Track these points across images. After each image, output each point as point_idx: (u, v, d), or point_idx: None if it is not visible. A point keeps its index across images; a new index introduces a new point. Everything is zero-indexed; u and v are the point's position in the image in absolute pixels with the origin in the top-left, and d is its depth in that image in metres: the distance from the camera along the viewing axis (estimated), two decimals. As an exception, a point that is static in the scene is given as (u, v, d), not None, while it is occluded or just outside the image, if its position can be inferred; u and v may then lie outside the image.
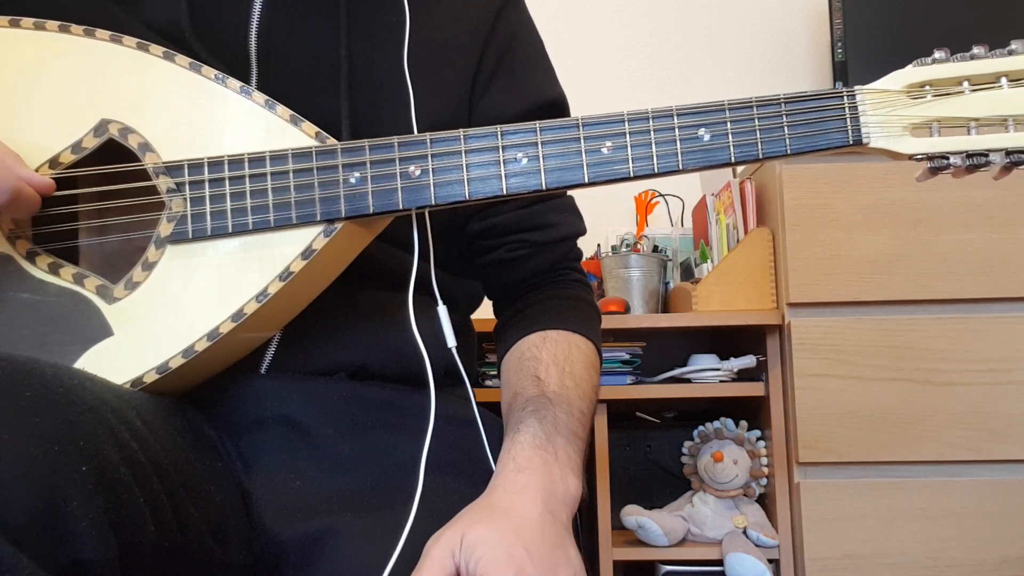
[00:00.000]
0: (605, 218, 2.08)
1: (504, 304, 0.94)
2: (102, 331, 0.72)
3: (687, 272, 1.90)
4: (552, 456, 0.72)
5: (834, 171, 1.56)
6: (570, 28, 2.24)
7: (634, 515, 1.58)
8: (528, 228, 0.90)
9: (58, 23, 0.77)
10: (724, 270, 1.65)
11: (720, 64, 2.21)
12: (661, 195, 1.95)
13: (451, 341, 0.79)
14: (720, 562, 1.54)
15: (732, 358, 1.67)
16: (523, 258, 0.91)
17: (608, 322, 1.67)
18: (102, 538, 0.53)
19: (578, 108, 0.85)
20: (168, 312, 0.72)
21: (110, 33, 0.76)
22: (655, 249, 1.81)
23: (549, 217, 0.92)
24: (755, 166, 1.75)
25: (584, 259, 1.94)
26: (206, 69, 0.75)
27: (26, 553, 0.49)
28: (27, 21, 0.77)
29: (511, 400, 0.81)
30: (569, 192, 0.94)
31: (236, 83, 0.75)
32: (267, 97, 0.74)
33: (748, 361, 1.65)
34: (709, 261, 1.78)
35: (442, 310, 0.80)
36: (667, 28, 2.24)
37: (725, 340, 1.84)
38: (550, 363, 0.82)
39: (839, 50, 1.92)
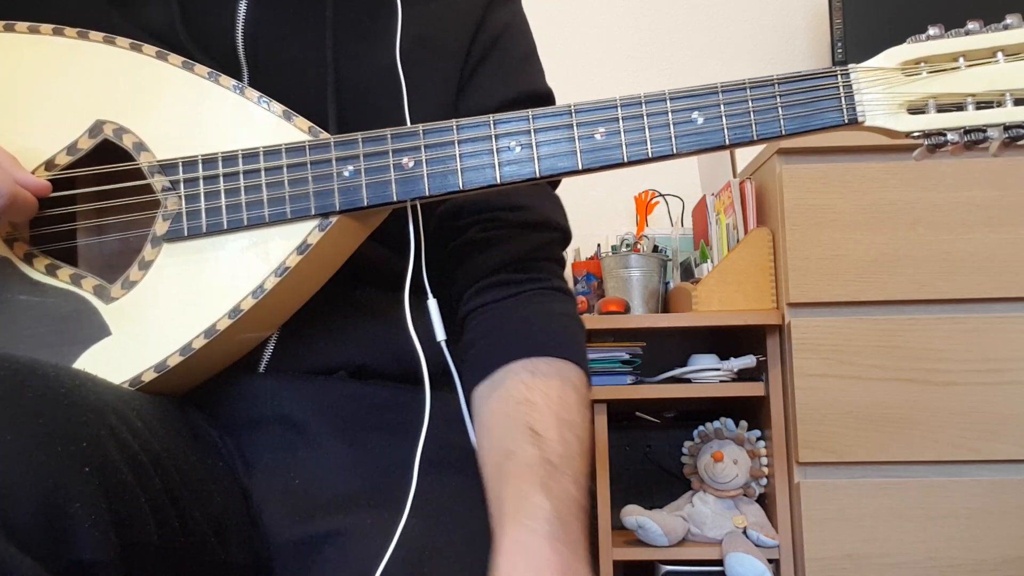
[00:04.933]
0: (605, 218, 2.08)
1: (473, 310, 0.83)
2: (100, 331, 0.72)
3: (687, 272, 1.90)
4: (571, 551, 0.64)
5: (834, 171, 1.56)
6: (569, 28, 2.24)
7: (634, 515, 1.58)
8: (500, 207, 0.84)
9: (52, 26, 0.77)
10: (724, 270, 1.65)
11: (720, 64, 2.21)
12: (661, 195, 1.95)
13: (440, 334, 0.78)
14: (720, 562, 1.54)
15: (732, 358, 1.67)
16: (495, 240, 0.84)
17: (608, 322, 1.67)
18: (105, 539, 0.54)
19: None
20: (165, 310, 0.72)
21: (104, 35, 0.76)
22: (655, 249, 1.81)
23: (525, 198, 0.85)
24: (755, 166, 1.75)
25: (584, 259, 1.95)
26: (199, 67, 0.75)
27: (29, 554, 0.49)
28: (21, 25, 0.77)
29: (502, 458, 0.72)
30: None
31: (229, 80, 0.75)
32: (260, 93, 0.74)
33: (748, 361, 1.65)
34: (709, 261, 1.78)
35: (432, 303, 0.78)
36: (666, 28, 2.24)
37: (725, 340, 1.84)
38: (546, 410, 0.73)
39: (839, 50, 1.92)
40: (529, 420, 0.72)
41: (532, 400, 0.74)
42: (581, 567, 0.64)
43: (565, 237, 0.89)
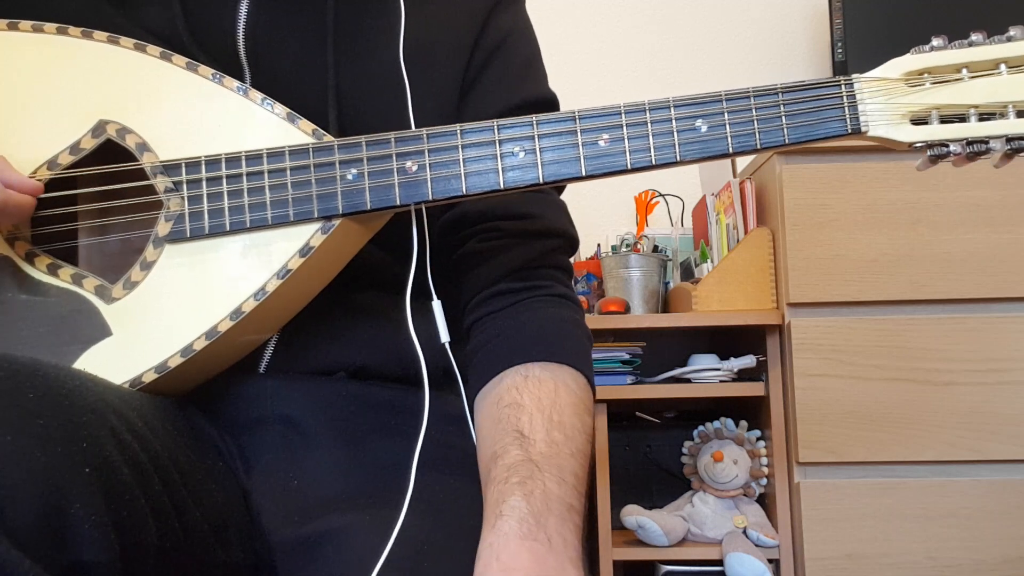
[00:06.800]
0: (605, 218, 2.08)
1: (475, 321, 0.82)
2: (101, 331, 0.72)
3: (687, 272, 1.90)
4: (545, 547, 0.62)
5: (834, 171, 1.56)
6: (570, 29, 2.24)
7: (634, 515, 1.58)
8: (502, 216, 0.83)
9: (56, 25, 0.77)
10: (724, 270, 1.65)
11: (720, 65, 2.21)
12: (661, 195, 1.95)
13: (444, 336, 0.78)
14: (720, 562, 1.54)
15: (732, 358, 1.67)
16: (494, 250, 0.82)
17: (608, 322, 1.67)
18: (105, 540, 0.53)
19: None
20: (166, 311, 0.72)
21: (108, 35, 0.76)
22: (655, 249, 1.81)
23: (526, 207, 0.83)
24: (755, 166, 1.75)
25: (584, 259, 1.95)
26: (203, 69, 0.75)
27: (29, 555, 0.49)
28: (25, 24, 0.77)
29: (490, 463, 0.71)
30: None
31: (233, 82, 0.75)
32: (264, 95, 0.74)
33: (748, 361, 1.65)
34: (709, 261, 1.78)
35: (436, 305, 0.79)
36: (666, 29, 2.24)
37: (725, 340, 1.84)
38: (534, 411, 0.72)
39: (839, 50, 1.92)
40: (516, 422, 0.72)
41: (520, 402, 0.73)
42: (557, 561, 0.62)
43: (570, 244, 0.88)
